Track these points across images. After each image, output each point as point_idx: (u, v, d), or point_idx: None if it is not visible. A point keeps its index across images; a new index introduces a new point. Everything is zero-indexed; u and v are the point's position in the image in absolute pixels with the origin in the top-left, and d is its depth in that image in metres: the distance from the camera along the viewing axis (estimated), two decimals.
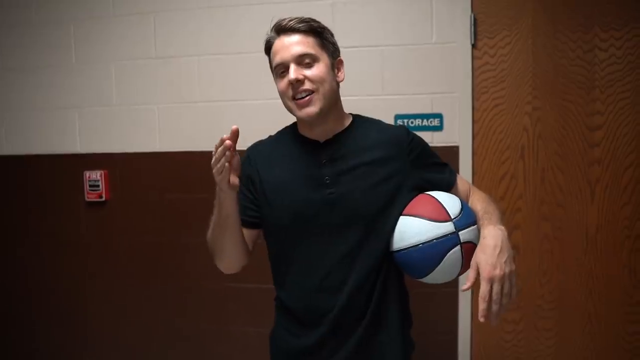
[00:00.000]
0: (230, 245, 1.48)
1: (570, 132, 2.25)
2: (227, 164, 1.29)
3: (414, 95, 2.35)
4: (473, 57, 2.28)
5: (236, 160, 1.33)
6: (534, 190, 2.29)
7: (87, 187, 2.63)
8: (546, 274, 2.30)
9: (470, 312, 2.34)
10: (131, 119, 2.61)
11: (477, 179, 2.31)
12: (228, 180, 1.31)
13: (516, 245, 2.30)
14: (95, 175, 2.62)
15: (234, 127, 1.28)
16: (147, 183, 2.61)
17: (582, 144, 2.24)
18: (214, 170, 1.31)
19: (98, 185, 2.62)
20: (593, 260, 2.27)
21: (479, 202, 1.51)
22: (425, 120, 2.34)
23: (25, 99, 2.70)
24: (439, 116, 2.33)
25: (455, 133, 2.32)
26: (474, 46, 2.28)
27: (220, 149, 1.28)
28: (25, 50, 2.68)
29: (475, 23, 2.26)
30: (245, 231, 1.52)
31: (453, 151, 2.31)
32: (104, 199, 2.63)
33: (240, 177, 1.37)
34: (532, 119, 2.27)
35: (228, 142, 1.26)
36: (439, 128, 2.33)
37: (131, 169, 2.63)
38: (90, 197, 2.63)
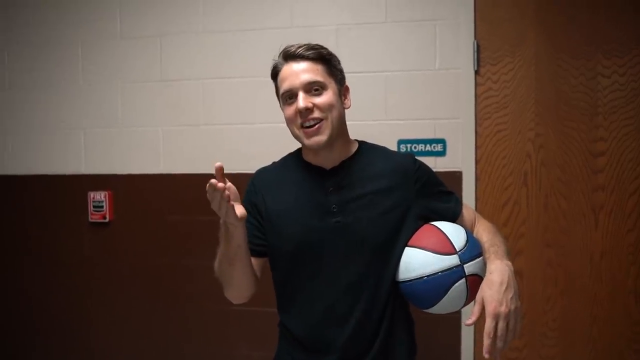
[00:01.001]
0: (239, 276, 1.44)
1: (573, 159, 2.25)
2: (226, 202, 1.24)
3: (417, 121, 2.36)
4: (476, 83, 2.29)
5: (233, 191, 1.28)
6: (537, 217, 2.28)
7: (91, 208, 2.64)
8: (550, 300, 2.29)
9: (473, 340, 2.32)
10: (135, 140, 2.63)
11: (480, 205, 2.31)
12: (234, 214, 1.27)
13: (519, 271, 2.29)
14: (100, 196, 2.63)
15: (217, 164, 1.22)
16: (151, 204, 2.62)
17: (585, 170, 2.24)
18: (217, 212, 1.26)
19: (102, 206, 2.63)
20: (597, 286, 2.26)
21: (484, 233, 1.49)
22: (428, 145, 2.34)
23: (31, 118, 2.72)
24: (442, 141, 2.33)
25: (459, 158, 2.32)
26: (477, 72, 2.29)
27: (214, 192, 1.21)
28: (32, 70, 2.71)
29: (478, 50, 2.28)
30: (253, 259, 1.49)
31: (456, 176, 2.31)
32: (107, 219, 2.64)
33: (244, 206, 1.34)
34: (535, 145, 2.27)
35: (220, 185, 1.20)
36: (442, 153, 2.33)
37: (135, 190, 2.64)
38: (94, 217, 2.64)
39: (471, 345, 2.32)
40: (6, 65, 2.74)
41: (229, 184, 1.25)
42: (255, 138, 2.47)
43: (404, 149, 2.34)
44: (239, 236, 1.34)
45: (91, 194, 2.64)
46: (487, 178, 2.31)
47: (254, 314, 2.47)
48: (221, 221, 1.31)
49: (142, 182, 2.63)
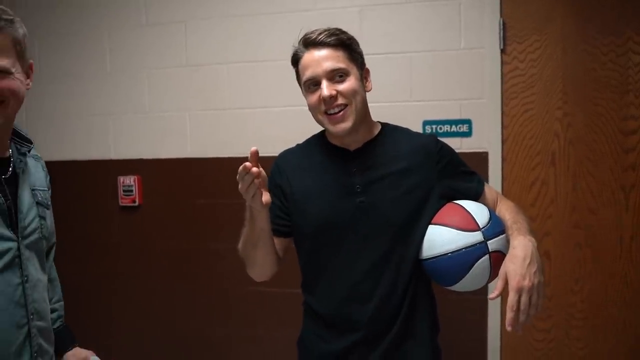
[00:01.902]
0: (262, 256, 1.48)
1: (602, 137, 2.21)
2: (256, 188, 1.27)
3: (442, 102, 2.34)
4: (502, 62, 2.26)
5: (263, 176, 1.29)
6: (565, 197, 2.25)
7: (121, 192, 2.70)
8: (578, 282, 2.26)
9: (499, 319, 2.31)
10: (163, 125, 2.68)
11: (507, 185, 2.29)
12: (260, 200, 1.30)
13: (547, 252, 2.27)
14: (129, 180, 2.69)
15: (253, 149, 1.25)
16: (178, 188, 2.67)
17: (615, 149, 2.20)
18: (243, 195, 1.29)
19: (132, 190, 2.69)
20: (627, 268, 2.22)
21: (507, 212, 1.50)
22: (453, 126, 2.33)
23: (62, 106, 2.78)
24: (468, 122, 2.31)
25: (485, 139, 2.30)
26: (503, 51, 2.26)
27: (246, 176, 1.24)
28: (61, 59, 2.77)
29: (504, 28, 2.24)
30: (277, 240, 1.53)
31: (482, 157, 2.30)
32: (137, 203, 2.69)
33: (269, 190, 1.36)
34: (562, 125, 2.23)
35: (255, 169, 1.23)
36: (468, 134, 2.31)
37: (163, 175, 2.69)
38: (124, 201, 2.70)
39: (497, 324, 2.31)
40: (36, 55, 2.80)
41: (261, 169, 1.27)
42: (280, 121, 2.49)
43: (429, 130, 2.33)
44: (263, 220, 1.39)
45: (121, 179, 2.69)
46: (514, 158, 2.29)
47: (278, 295, 2.50)
48: (247, 204, 1.35)
49: (170, 166, 2.68)
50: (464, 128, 2.31)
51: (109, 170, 2.72)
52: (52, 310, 1.55)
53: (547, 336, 2.30)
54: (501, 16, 2.25)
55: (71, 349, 1.59)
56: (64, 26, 2.75)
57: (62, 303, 1.65)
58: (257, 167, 1.25)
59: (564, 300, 2.28)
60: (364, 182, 1.45)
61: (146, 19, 2.66)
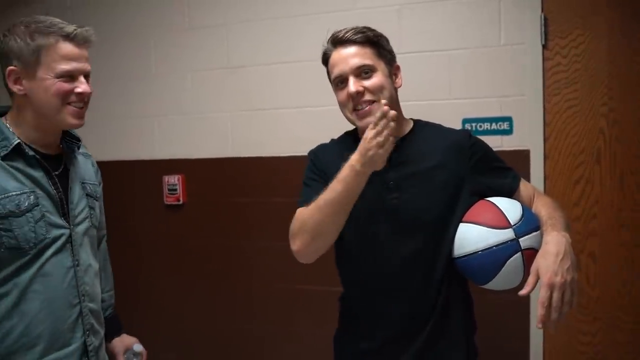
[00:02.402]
0: (338, 225, 1.42)
1: None
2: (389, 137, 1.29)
3: (482, 99, 2.31)
4: (544, 58, 2.21)
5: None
6: (611, 196, 2.18)
7: (166, 191, 2.78)
8: (626, 284, 2.18)
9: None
10: (205, 126, 2.75)
11: (550, 184, 2.24)
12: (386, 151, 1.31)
13: (592, 253, 2.20)
14: (174, 179, 2.77)
15: (392, 112, 1.29)
16: (221, 187, 2.73)
17: None
18: (374, 142, 1.29)
19: (176, 189, 2.77)
20: None
21: (544, 208, 1.47)
22: (494, 123, 2.29)
23: (110, 108, 2.89)
24: (509, 119, 2.27)
25: (526, 136, 2.26)
26: (544, 47, 2.21)
27: (382, 121, 1.28)
28: (110, 63, 2.89)
29: (545, 23, 2.19)
30: None
31: (523, 155, 2.25)
32: (181, 202, 2.77)
33: (312, 174, 1.42)
34: (608, 121, 2.16)
35: (393, 112, 1.28)
36: (509, 132, 2.27)
37: (206, 174, 2.76)
38: (169, 200, 2.78)
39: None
40: None
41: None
42: (318, 121, 2.51)
43: (469, 128, 2.30)
44: (361, 183, 1.35)
45: (165, 178, 2.78)
46: (557, 156, 2.23)
47: (318, 293, 2.52)
48: (353, 163, 1.33)
49: (213, 165, 2.74)
50: (505, 125, 2.27)
51: (154, 169, 2.81)
52: (102, 300, 1.68)
53: (592, 340, 2.23)
54: (542, 11, 2.19)
55: (118, 335, 1.76)
56: (111, 31, 2.86)
57: (112, 293, 1.82)
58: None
59: (610, 303, 2.20)
60: (396, 179, 1.46)
61: (189, 23, 2.74)
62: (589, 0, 2.16)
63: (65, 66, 1.38)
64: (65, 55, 1.39)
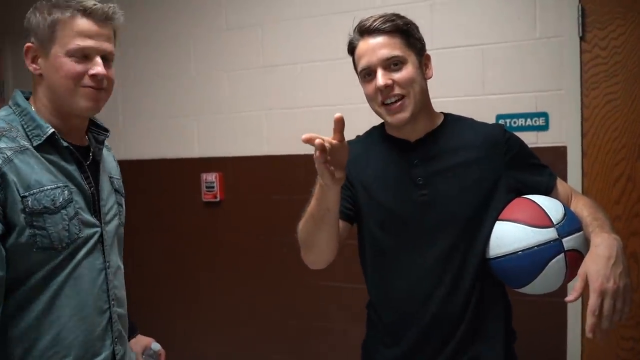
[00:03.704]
0: (323, 240, 1.38)
1: None
2: (321, 162, 1.19)
3: (517, 94, 2.25)
4: (581, 51, 2.13)
5: (336, 151, 1.21)
6: None
7: (203, 188, 2.86)
8: None
9: (580, 326, 2.17)
10: (241, 124, 2.80)
11: (588, 182, 2.15)
12: (329, 175, 1.21)
13: (634, 253, 2.10)
14: (211, 177, 2.84)
15: (337, 115, 1.19)
16: (257, 184, 2.78)
17: None
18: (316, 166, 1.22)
19: (213, 187, 2.84)
20: None
21: (585, 208, 1.38)
22: (529, 119, 2.23)
23: (150, 107, 3.00)
24: (544, 115, 2.20)
25: (563, 132, 2.18)
26: (582, 39, 2.12)
27: (315, 147, 1.19)
28: (150, 63, 2.99)
29: (583, 14, 2.11)
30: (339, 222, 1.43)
31: (560, 152, 2.18)
32: (218, 199, 2.84)
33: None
34: None
35: (320, 152, 1.17)
36: (545, 127, 2.20)
37: (242, 172, 2.81)
38: (207, 197, 2.85)
39: (578, 331, 2.18)
40: (129, 62, 3.02)
41: (335, 143, 1.20)
42: (353, 118, 2.50)
43: (504, 124, 2.23)
44: (330, 200, 1.29)
45: (203, 176, 2.85)
46: (596, 153, 2.14)
47: (353, 291, 2.52)
48: (318, 178, 1.27)
49: (249, 163, 2.80)
50: (540, 121, 2.20)
51: (193, 167, 2.89)
52: None
53: (635, 346, 2.13)
54: (580, 2, 2.11)
55: (134, 336, 1.66)
56: (152, 33, 2.96)
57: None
58: (341, 137, 1.21)
59: None
60: (426, 175, 1.39)
61: (226, 24, 2.80)
62: None
63: (80, 43, 1.24)
64: (80, 31, 1.24)
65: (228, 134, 2.83)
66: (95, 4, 1.25)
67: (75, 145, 1.32)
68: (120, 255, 1.45)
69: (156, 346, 1.69)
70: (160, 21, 2.96)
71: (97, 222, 1.32)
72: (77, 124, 1.34)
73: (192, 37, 2.88)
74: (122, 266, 1.44)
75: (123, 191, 1.51)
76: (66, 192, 1.25)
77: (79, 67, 1.24)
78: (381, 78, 1.34)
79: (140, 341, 1.66)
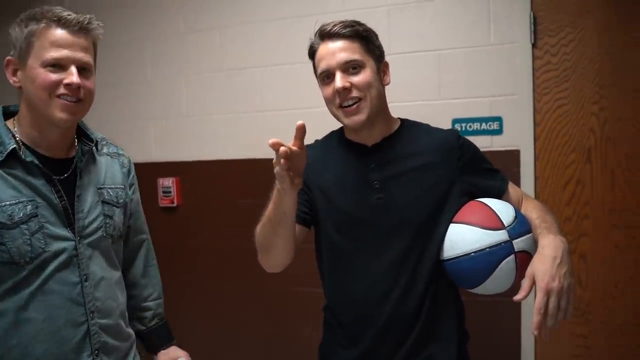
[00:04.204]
0: (280, 243, 1.39)
1: None
2: (284, 169, 1.20)
3: (472, 99, 2.29)
4: (534, 57, 2.19)
5: (295, 157, 1.22)
6: (602, 196, 2.14)
7: (160, 193, 2.80)
8: (618, 286, 2.15)
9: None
10: (200, 128, 2.76)
11: (540, 184, 2.21)
12: (289, 181, 1.22)
13: (584, 254, 2.17)
14: (168, 182, 2.79)
15: (299, 123, 1.20)
16: (215, 189, 2.74)
17: None
18: (274, 169, 1.23)
19: (170, 192, 2.79)
20: None
21: (534, 210, 1.43)
22: (484, 123, 2.27)
23: (108, 112, 2.92)
24: (499, 119, 2.25)
25: (516, 136, 2.23)
26: (534, 45, 2.19)
27: (276, 153, 1.19)
28: (106, 66, 2.90)
29: (535, 22, 2.17)
30: (296, 226, 1.45)
31: (514, 155, 2.23)
32: (175, 204, 2.79)
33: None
34: (599, 120, 2.13)
35: (282, 149, 1.17)
36: (499, 132, 2.25)
37: (200, 176, 2.77)
38: (164, 202, 2.80)
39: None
40: None
41: (295, 150, 1.21)
42: (314, 122, 2.49)
43: (459, 129, 2.28)
44: (287, 204, 1.30)
45: (160, 180, 2.80)
46: (547, 156, 2.20)
47: (317, 295, 2.51)
48: (276, 183, 1.28)
49: (207, 167, 2.76)
50: (495, 125, 2.25)
51: (149, 172, 2.83)
52: (147, 309, 1.62)
53: (585, 342, 2.20)
54: (532, 9, 2.18)
55: (166, 348, 1.62)
56: (107, 36, 2.86)
57: (160, 301, 1.68)
58: (300, 144, 1.21)
59: (603, 306, 2.16)
60: (382, 178, 1.42)
61: (184, 27, 2.76)
62: None
63: (54, 53, 1.24)
64: (54, 41, 1.24)
65: (186, 138, 2.79)
66: (69, 14, 1.27)
67: (52, 157, 1.33)
68: (113, 266, 1.45)
69: None
70: (114, 23, 2.89)
71: (70, 236, 1.31)
72: (57, 136, 1.34)
73: (149, 39, 2.83)
74: (111, 276, 1.43)
75: (121, 201, 1.48)
76: (29, 206, 1.25)
77: (53, 77, 1.25)
78: (339, 80, 1.37)
79: (170, 353, 1.62)
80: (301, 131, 1.21)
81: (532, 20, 2.17)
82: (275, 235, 1.37)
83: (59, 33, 1.25)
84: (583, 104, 2.15)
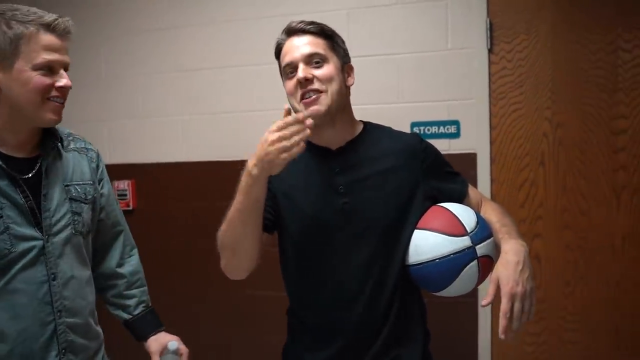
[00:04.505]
0: (248, 241, 1.35)
1: (593, 137, 2.17)
2: (298, 140, 1.20)
3: (430, 103, 2.33)
4: (490, 62, 2.24)
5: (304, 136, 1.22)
6: (555, 198, 2.22)
7: (115, 196, 2.72)
8: (569, 285, 2.22)
9: (490, 324, 2.28)
10: (157, 130, 2.70)
11: (496, 187, 2.27)
12: (285, 160, 1.22)
13: (537, 254, 2.23)
14: (123, 184, 2.72)
15: (287, 105, 1.22)
16: (173, 192, 2.69)
17: (605, 149, 2.16)
18: (276, 147, 1.21)
19: (126, 194, 2.72)
20: (620, 270, 2.18)
21: (493, 214, 1.46)
22: (441, 127, 2.31)
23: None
24: (456, 123, 2.29)
25: (473, 140, 2.28)
26: (490, 51, 2.24)
27: (295, 125, 1.19)
28: None
29: (491, 27, 2.23)
30: None
31: (470, 158, 2.27)
32: (131, 207, 2.72)
33: None
34: (552, 124, 2.20)
35: (309, 120, 1.18)
36: (456, 135, 2.29)
37: (157, 179, 2.71)
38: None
39: (488, 329, 2.28)
40: None
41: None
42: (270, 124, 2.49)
43: (418, 132, 2.32)
44: (260, 189, 1.28)
45: (115, 183, 2.72)
46: (503, 159, 2.26)
47: (272, 299, 2.49)
48: (250, 169, 1.26)
49: (165, 170, 2.70)
50: (452, 129, 2.29)
51: None
52: (130, 297, 1.63)
53: (538, 340, 2.27)
54: (488, 16, 2.23)
55: (155, 334, 1.62)
56: None
57: (144, 289, 1.69)
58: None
59: (555, 304, 2.24)
60: (347, 183, 1.41)
61: (141, 25, 2.69)
62: (532, 6, 2.20)
63: (47, 57, 1.28)
64: (46, 45, 1.28)
65: (142, 139, 2.73)
66: (56, 19, 1.31)
67: (17, 157, 1.33)
68: (84, 264, 1.45)
69: (173, 345, 1.56)
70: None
71: (37, 235, 1.32)
72: (31, 137, 1.36)
73: (103, 37, 2.75)
74: (81, 275, 1.43)
75: (89, 197, 1.47)
76: None
77: (47, 81, 1.29)
78: (302, 71, 1.37)
79: (160, 339, 1.61)
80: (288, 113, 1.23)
81: (488, 27, 2.22)
82: (244, 230, 1.34)
83: (50, 37, 1.30)
84: (537, 109, 2.22)
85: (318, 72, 1.38)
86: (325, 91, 1.37)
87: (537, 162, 2.23)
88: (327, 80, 1.38)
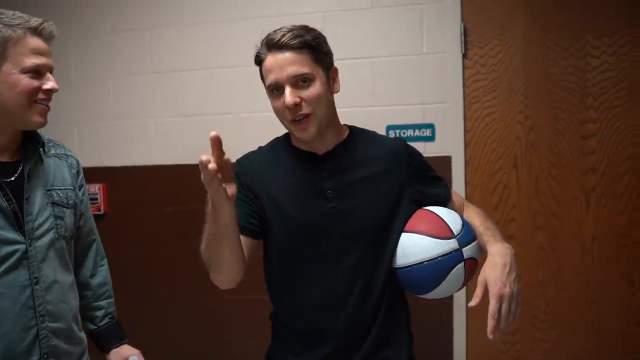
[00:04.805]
0: (228, 257, 1.34)
1: (563, 141, 2.23)
2: (217, 180, 1.14)
3: (405, 106, 2.35)
4: (464, 67, 2.28)
5: (227, 167, 1.16)
6: (527, 200, 2.27)
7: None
8: (542, 284, 2.28)
9: (465, 324, 2.32)
10: (129, 132, 2.65)
11: (470, 189, 2.30)
12: (225, 193, 1.17)
13: None
14: (94, 188, 2.66)
15: (213, 134, 1.13)
16: (145, 195, 2.65)
17: (576, 152, 2.22)
18: (206, 187, 1.16)
19: (97, 198, 2.66)
20: (590, 269, 2.24)
21: (476, 217, 1.48)
22: (417, 130, 2.34)
23: None
24: (431, 126, 2.32)
25: (448, 143, 2.32)
26: (464, 56, 2.27)
27: (201, 167, 1.13)
28: None
29: (465, 33, 2.26)
30: (244, 239, 1.41)
31: (445, 161, 2.31)
32: (102, 211, 2.66)
33: (237, 186, 1.25)
34: (524, 128, 2.25)
35: (211, 166, 1.10)
36: (431, 138, 2.32)
37: (129, 182, 2.67)
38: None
39: (463, 329, 2.32)
40: None
41: (225, 157, 1.15)
42: (247, 127, 2.48)
43: (393, 135, 2.34)
44: (227, 215, 1.25)
45: (86, 187, 2.66)
46: (477, 162, 2.30)
47: (250, 303, 2.47)
48: (209, 197, 1.21)
49: (137, 173, 2.66)
50: (427, 132, 2.32)
51: None
52: (98, 308, 1.61)
53: (512, 339, 2.32)
54: (462, 21, 2.26)
55: (117, 346, 1.60)
56: None
57: (110, 300, 1.67)
58: (221, 154, 1.14)
59: (528, 303, 2.28)
60: (335, 187, 1.40)
61: (111, 27, 2.64)
62: (505, 12, 2.25)
63: (35, 60, 1.29)
64: (34, 49, 1.29)
65: (113, 142, 2.67)
66: (42, 23, 1.32)
67: (1, 161, 1.33)
68: (67, 269, 1.44)
69: (133, 359, 1.57)
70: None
71: (20, 239, 1.31)
72: (13, 140, 1.36)
73: (72, 39, 2.68)
74: (64, 280, 1.42)
75: (71, 202, 1.46)
76: None
77: (35, 83, 1.29)
78: (289, 96, 1.33)
79: (122, 352, 1.59)
80: (217, 142, 1.14)
81: (462, 32, 2.26)
82: (222, 250, 1.32)
83: (37, 41, 1.31)
84: (509, 113, 2.26)
85: (305, 94, 1.35)
86: (314, 112, 1.36)
87: (510, 165, 2.27)
88: (316, 101, 1.35)
